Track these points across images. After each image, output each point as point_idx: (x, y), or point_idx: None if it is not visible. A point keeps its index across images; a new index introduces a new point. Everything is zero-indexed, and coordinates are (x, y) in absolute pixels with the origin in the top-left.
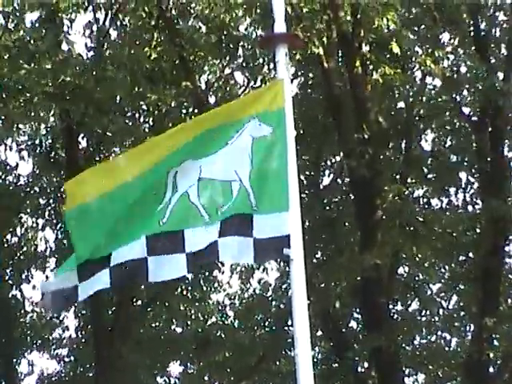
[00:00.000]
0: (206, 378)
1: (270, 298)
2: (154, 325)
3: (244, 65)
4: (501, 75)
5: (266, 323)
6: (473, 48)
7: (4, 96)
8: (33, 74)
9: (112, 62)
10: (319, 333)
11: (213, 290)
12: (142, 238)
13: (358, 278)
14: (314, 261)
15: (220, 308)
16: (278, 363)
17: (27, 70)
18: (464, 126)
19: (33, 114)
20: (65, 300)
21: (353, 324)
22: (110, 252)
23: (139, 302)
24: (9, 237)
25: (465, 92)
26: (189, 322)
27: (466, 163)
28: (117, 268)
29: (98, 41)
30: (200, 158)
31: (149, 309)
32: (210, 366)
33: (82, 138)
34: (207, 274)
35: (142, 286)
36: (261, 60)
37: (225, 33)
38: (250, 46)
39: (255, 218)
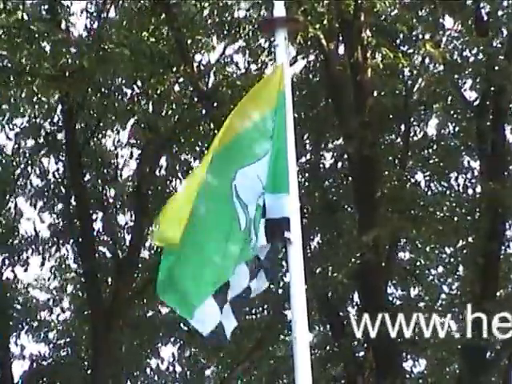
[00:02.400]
0: (201, 362)
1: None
2: (148, 308)
3: (244, 47)
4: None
5: (264, 307)
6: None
7: (5, 78)
8: (33, 55)
9: (111, 43)
10: (317, 317)
11: None
12: (243, 265)
13: (357, 262)
14: (313, 244)
15: None
16: (275, 347)
17: (28, 51)
18: (465, 110)
19: (33, 96)
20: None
21: (351, 308)
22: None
23: (136, 285)
24: (4, 219)
25: (466, 76)
26: None
27: (467, 147)
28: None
29: (97, 22)
30: (240, 168)
31: (144, 292)
32: (205, 349)
33: (81, 120)
34: None
35: (138, 270)
36: (262, 42)
37: (226, 15)
38: (250, 29)
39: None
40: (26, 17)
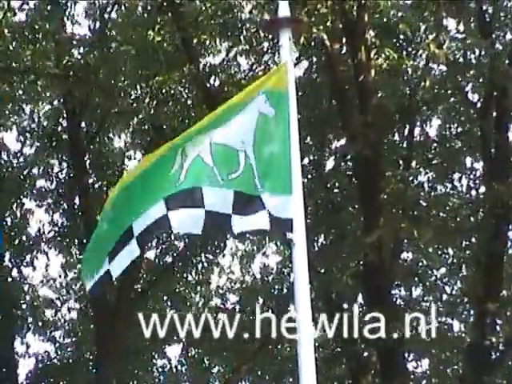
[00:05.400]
0: (206, 362)
1: (271, 282)
2: (154, 307)
3: (248, 49)
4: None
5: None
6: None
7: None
8: (37, 55)
9: (116, 42)
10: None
11: (214, 273)
12: (161, 201)
13: (361, 263)
14: (317, 245)
15: (221, 292)
16: (279, 347)
17: (32, 51)
18: (468, 111)
19: (37, 96)
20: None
21: (356, 308)
22: (129, 225)
23: (140, 286)
24: (10, 219)
25: (469, 77)
26: (189, 305)
27: (470, 148)
28: (142, 235)
29: (101, 21)
30: (213, 129)
31: (149, 292)
32: (210, 349)
33: (85, 120)
34: (209, 257)
35: (142, 270)
36: (265, 44)
37: (229, 16)
38: (254, 30)
39: (263, 197)
40: (29, 16)
